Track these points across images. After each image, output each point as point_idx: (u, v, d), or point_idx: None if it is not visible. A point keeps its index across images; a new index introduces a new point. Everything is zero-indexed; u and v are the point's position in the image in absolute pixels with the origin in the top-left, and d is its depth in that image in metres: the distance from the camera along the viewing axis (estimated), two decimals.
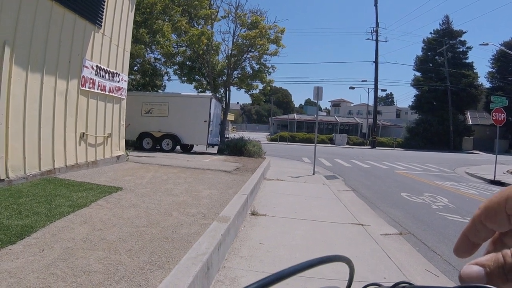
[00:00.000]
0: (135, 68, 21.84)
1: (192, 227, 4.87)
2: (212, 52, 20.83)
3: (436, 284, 4.17)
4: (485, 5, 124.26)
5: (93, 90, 9.63)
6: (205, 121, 17.39)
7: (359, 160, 22.29)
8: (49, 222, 4.59)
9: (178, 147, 18.41)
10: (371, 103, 48.17)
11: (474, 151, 43.41)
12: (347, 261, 0.71)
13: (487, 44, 22.33)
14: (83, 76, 9.13)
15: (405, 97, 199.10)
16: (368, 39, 45.05)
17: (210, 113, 17.48)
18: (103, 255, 3.66)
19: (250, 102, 33.05)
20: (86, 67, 9.23)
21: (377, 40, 43.92)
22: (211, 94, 18.93)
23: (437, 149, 41.65)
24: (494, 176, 14.93)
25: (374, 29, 43.98)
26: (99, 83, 9.89)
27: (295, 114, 65.48)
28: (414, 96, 49.76)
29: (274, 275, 0.54)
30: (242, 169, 11.89)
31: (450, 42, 46.46)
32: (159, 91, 23.80)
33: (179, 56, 21.68)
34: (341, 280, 3.31)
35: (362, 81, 60.65)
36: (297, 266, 0.58)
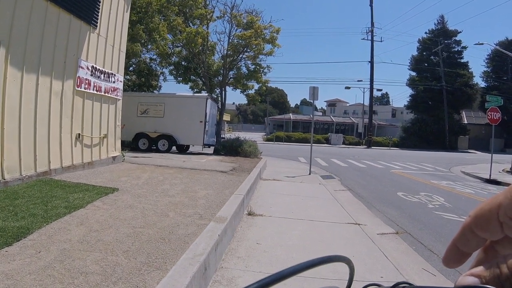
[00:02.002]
0: (131, 68, 21.80)
1: (189, 227, 4.87)
2: (208, 52, 20.83)
3: (433, 283, 4.19)
4: (480, 5, 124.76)
5: (88, 91, 9.60)
6: (201, 122, 17.38)
7: (355, 159, 22.32)
8: (46, 224, 4.57)
9: (174, 148, 18.40)
10: (366, 103, 48.36)
11: (469, 150, 43.62)
12: (347, 261, 0.71)
13: (482, 44, 22.52)
14: (79, 77, 9.10)
15: (400, 96, 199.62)
16: (363, 39, 45.16)
17: (206, 114, 17.48)
18: (100, 256, 3.65)
19: (246, 102, 33.02)
20: (82, 67, 9.19)
21: (372, 40, 44.04)
22: (206, 94, 18.93)
23: (433, 149, 41.79)
24: (490, 175, 15.00)
25: (370, 29, 44.10)
26: (95, 84, 9.86)
27: (291, 114, 65.56)
28: (410, 95, 49.87)
29: (275, 275, 0.54)
30: (239, 169, 11.89)
31: (445, 41, 46.62)
32: (154, 91, 23.78)
33: (174, 56, 21.67)
34: (340, 280, 3.32)
35: (358, 81, 60.58)
36: (297, 266, 0.58)
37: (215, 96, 21.58)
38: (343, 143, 44.46)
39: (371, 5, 43.93)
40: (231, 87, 22.06)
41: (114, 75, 10.95)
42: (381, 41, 46.13)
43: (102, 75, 10.21)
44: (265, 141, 42.45)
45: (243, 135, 21.91)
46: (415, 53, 50.45)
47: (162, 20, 19.47)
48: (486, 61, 49.99)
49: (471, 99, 46.54)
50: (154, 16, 18.64)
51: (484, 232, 0.44)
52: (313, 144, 15.02)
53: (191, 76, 22.57)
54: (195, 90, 22.76)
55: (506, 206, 0.41)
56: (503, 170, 18.35)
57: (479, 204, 0.45)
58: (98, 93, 10.09)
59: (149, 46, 20.66)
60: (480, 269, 0.43)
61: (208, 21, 20.61)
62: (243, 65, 21.63)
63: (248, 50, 20.33)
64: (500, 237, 0.44)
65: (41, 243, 3.94)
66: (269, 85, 23.71)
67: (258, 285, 0.52)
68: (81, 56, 9.17)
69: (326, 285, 3.11)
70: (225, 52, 20.69)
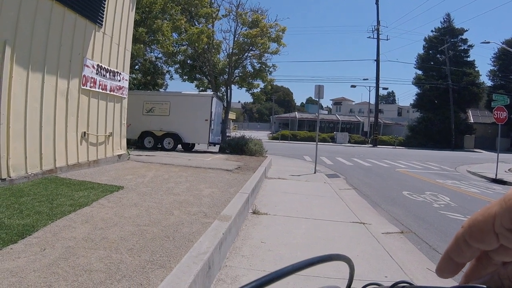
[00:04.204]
0: (136, 67, 21.85)
1: (193, 226, 4.87)
2: (213, 50, 20.80)
3: (437, 283, 4.17)
4: (487, 3, 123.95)
5: (94, 89, 9.63)
6: (207, 120, 17.40)
7: (361, 158, 22.28)
8: (51, 221, 4.59)
9: (179, 146, 18.43)
10: (372, 101, 48.25)
11: (475, 150, 43.36)
12: (347, 260, 0.71)
13: (488, 42, 22.25)
14: (84, 75, 9.13)
15: (406, 95, 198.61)
16: (369, 37, 45.21)
17: (211, 112, 17.49)
18: (104, 254, 3.66)
19: (252, 100, 33.03)
20: (87, 66, 9.23)
21: (378, 38, 43.86)
22: (212, 93, 18.94)
23: (439, 148, 41.64)
24: (496, 175, 14.89)
25: (376, 27, 43.92)
26: (100, 82, 9.89)
27: (296, 112, 65.37)
28: (416, 94, 49.73)
29: (275, 273, 0.54)
30: (244, 167, 11.89)
31: (452, 40, 46.35)
32: (160, 90, 23.83)
33: (180, 55, 21.67)
34: (342, 279, 3.31)
35: (364, 79, 60.26)
36: (297, 264, 0.58)
37: (221, 95, 21.58)
38: (349, 141, 44.40)
39: (377, 3, 43.80)
40: (237, 86, 22.02)
41: (120, 73, 10.98)
42: (387, 40, 45.90)
43: (107, 74, 10.25)
44: (271, 139, 42.43)
45: (248, 133, 21.89)
46: (421, 51, 50.26)
47: (167, 20, 19.47)
48: (492, 59, 49.64)
49: (477, 98, 46.36)
50: (158, 17, 18.63)
51: (479, 243, 0.43)
52: (318, 143, 14.99)
53: (197, 75, 22.56)
54: (201, 88, 22.77)
55: (502, 216, 0.40)
56: (509, 169, 18.21)
57: (472, 214, 0.44)
58: (103, 91, 10.12)
59: (153, 46, 20.68)
60: (482, 281, 0.43)
61: (214, 20, 20.57)
62: (249, 63, 21.61)
63: (254, 49, 20.27)
64: (496, 247, 0.43)
65: (46, 240, 3.96)
66: (274, 83, 23.62)
67: (258, 283, 0.52)
68: (86, 55, 9.20)
69: (328, 283, 3.10)
70: (230, 51, 20.66)
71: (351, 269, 0.73)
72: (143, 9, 18.12)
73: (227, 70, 20.92)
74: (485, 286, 0.41)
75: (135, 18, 13.49)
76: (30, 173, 7.20)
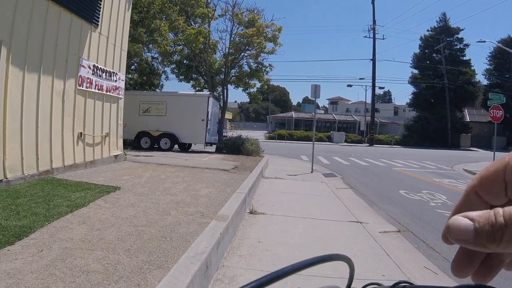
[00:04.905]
0: (133, 67, 21.81)
1: (191, 226, 4.87)
2: (210, 50, 20.79)
3: (435, 281, 4.18)
4: (482, 2, 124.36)
5: (90, 90, 9.60)
6: (203, 120, 17.38)
7: (357, 157, 22.31)
8: (48, 223, 4.57)
9: (176, 146, 18.40)
10: (368, 100, 48.29)
11: (472, 148, 43.46)
12: (347, 260, 0.71)
13: (484, 41, 22.34)
14: (80, 76, 9.10)
15: (402, 94, 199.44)
16: (365, 36, 45.36)
17: (208, 112, 17.48)
18: (101, 255, 3.65)
19: (248, 100, 33.05)
20: (83, 66, 9.20)
21: (374, 38, 43.92)
22: (208, 92, 18.92)
23: (435, 147, 41.72)
24: None
25: (371, 26, 43.98)
26: (97, 83, 9.86)
27: (293, 112, 65.47)
28: (412, 93, 49.83)
29: (275, 273, 0.54)
30: (240, 167, 11.88)
31: (447, 39, 46.46)
32: (156, 90, 23.80)
33: (176, 55, 21.65)
34: (341, 278, 3.32)
35: (360, 78, 60.53)
36: (297, 264, 0.58)
37: (217, 95, 21.56)
38: (345, 141, 44.45)
39: (373, 3, 43.86)
40: (233, 86, 22.02)
41: (116, 73, 10.95)
42: (383, 39, 46.17)
43: (103, 74, 10.21)
44: (267, 139, 42.41)
45: (245, 133, 21.87)
46: (417, 50, 50.40)
47: (164, 19, 19.45)
48: (488, 58, 49.76)
49: (473, 97, 46.50)
50: (156, 17, 18.60)
51: (488, 194, 0.42)
52: (315, 142, 15.02)
53: (193, 75, 22.56)
54: (197, 88, 22.78)
55: None
56: None
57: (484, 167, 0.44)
58: (100, 92, 10.09)
59: (150, 46, 20.66)
60: (475, 213, 0.41)
61: (210, 20, 20.55)
62: (245, 63, 21.61)
63: (250, 49, 20.27)
64: (503, 202, 0.42)
65: (43, 242, 3.94)
66: (271, 83, 23.62)
67: (258, 283, 0.52)
68: (82, 55, 9.17)
69: (327, 283, 3.11)
70: (227, 51, 20.66)
71: (351, 269, 0.73)
72: (141, 9, 18.09)
73: (223, 70, 20.91)
74: (488, 286, 0.41)
75: (133, 18, 13.46)
76: (26, 174, 7.17)
